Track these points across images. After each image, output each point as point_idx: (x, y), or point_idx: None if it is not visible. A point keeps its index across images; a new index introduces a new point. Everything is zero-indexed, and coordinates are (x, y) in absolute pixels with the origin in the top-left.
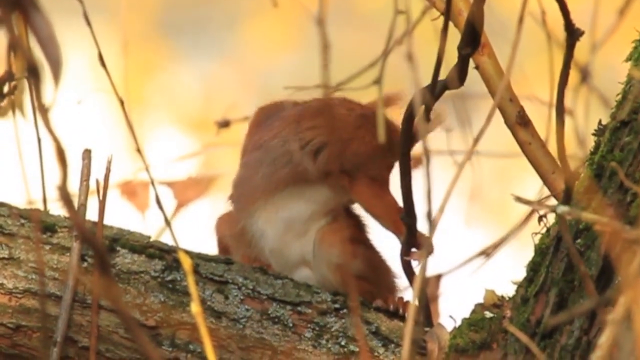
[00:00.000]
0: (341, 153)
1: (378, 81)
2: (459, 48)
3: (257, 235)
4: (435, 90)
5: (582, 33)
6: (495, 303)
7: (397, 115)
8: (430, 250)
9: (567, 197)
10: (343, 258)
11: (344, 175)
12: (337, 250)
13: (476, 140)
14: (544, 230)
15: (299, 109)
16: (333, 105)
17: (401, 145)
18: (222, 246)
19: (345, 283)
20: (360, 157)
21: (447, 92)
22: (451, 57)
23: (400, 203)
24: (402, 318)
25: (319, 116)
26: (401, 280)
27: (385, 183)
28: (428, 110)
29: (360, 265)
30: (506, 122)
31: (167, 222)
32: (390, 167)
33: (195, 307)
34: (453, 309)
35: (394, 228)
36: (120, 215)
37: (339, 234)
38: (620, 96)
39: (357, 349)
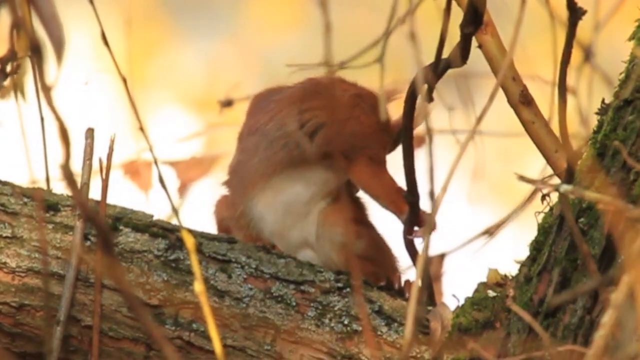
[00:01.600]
0: (338, 133)
1: (380, 59)
2: (462, 27)
3: (256, 219)
4: (438, 69)
5: (584, 12)
6: (499, 282)
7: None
8: (432, 228)
9: (569, 176)
10: (347, 238)
11: (342, 156)
12: (341, 230)
13: (479, 119)
14: (547, 209)
15: (293, 91)
16: (327, 86)
17: (403, 123)
18: (223, 228)
19: (349, 263)
20: (357, 136)
21: (449, 71)
22: (454, 36)
23: (401, 182)
24: (406, 299)
25: (314, 97)
26: (403, 260)
27: (382, 163)
28: (431, 89)
29: (364, 246)
30: (509, 101)
31: (172, 205)
32: (385, 147)
33: (198, 286)
34: (456, 288)
35: (393, 207)
36: (124, 195)
37: (342, 214)
38: (623, 75)
39: (360, 328)
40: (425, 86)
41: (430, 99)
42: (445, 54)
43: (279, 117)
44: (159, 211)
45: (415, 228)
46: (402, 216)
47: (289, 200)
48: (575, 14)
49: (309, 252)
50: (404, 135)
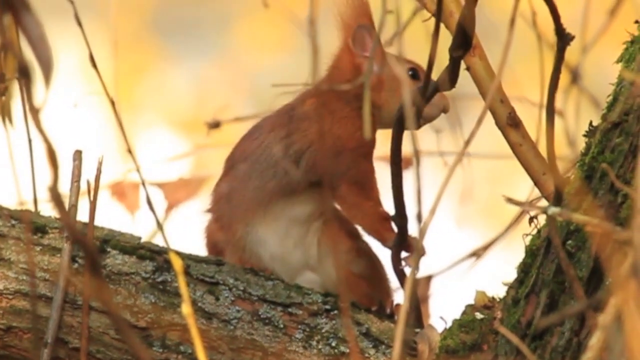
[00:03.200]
0: (322, 155)
1: (366, 80)
2: (450, 50)
3: (256, 244)
4: (427, 92)
5: (572, 38)
6: (486, 304)
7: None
8: (421, 254)
9: (557, 199)
10: (348, 255)
11: (328, 182)
12: (342, 248)
13: (467, 142)
14: (534, 232)
15: (275, 118)
16: (295, 107)
17: (392, 145)
18: (216, 252)
19: (348, 281)
20: (338, 140)
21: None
22: (442, 58)
23: (389, 203)
24: (394, 322)
25: (294, 121)
26: (392, 281)
27: (365, 187)
28: (419, 113)
29: (364, 265)
30: (497, 124)
31: (159, 224)
32: (371, 149)
33: (186, 309)
34: (444, 310)
35: (377, 236)
36: (111, 217)
37: (343, 231)
38: (611, 97)
39: (347, 350)
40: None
41: (418, 124)
42: (433, 77)
43: (265, 144)
44: (146, 232)
45: (404, 254)
46: (387, 244)
47: (288, 223)
48: (563, 39)
49: (310, 275)
50: (393, 157)
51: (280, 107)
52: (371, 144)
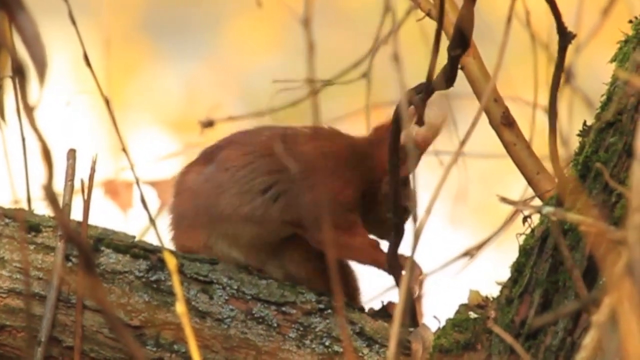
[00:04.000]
0: (299, 201)
1: (365, 75)
2: (449, 49)
3: (224, 253)
4: (426, 93)
5: (574, 36)
6: (480, 304)
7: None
8: (417, 275)
9: (558, 201)
10: (307, 254)
11: (304, 228)
12: (303, 247)
13: (462, 143)
14: (528, 231)
15: (267, 140)
16: (294, 139)
17: (390, 145)
18: (185, 250)
19: (311, 276)
20: (326, 193)
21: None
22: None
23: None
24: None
25: (279, 156)
26: (387, 281)
27: (350, 226)
28: (420, 114)
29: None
30: (491, 123)
31: (152, 222)
32: (353, 208)
33: (179, 307)
34: (437, 310)
35: (375, 264)
36: (105, 215)
37: (308, 250)
38: (604, 97)
39: (341, 350)
40: (411, 109)
41: (421, 122)
42: (423, 74)
43: (252, 167)
44: (139, 230)
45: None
46: (384, 267)
47: (249, 247)
48: (565, 37)
49: (277, 261)
50: (390, 156)
51: (281, 128)
52: (356, 201)
